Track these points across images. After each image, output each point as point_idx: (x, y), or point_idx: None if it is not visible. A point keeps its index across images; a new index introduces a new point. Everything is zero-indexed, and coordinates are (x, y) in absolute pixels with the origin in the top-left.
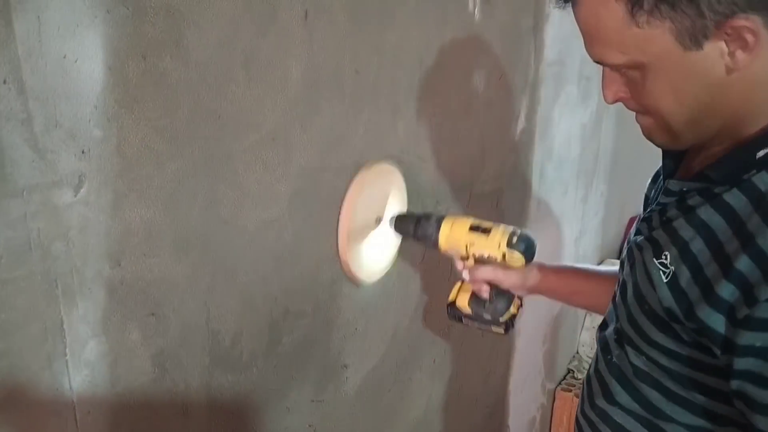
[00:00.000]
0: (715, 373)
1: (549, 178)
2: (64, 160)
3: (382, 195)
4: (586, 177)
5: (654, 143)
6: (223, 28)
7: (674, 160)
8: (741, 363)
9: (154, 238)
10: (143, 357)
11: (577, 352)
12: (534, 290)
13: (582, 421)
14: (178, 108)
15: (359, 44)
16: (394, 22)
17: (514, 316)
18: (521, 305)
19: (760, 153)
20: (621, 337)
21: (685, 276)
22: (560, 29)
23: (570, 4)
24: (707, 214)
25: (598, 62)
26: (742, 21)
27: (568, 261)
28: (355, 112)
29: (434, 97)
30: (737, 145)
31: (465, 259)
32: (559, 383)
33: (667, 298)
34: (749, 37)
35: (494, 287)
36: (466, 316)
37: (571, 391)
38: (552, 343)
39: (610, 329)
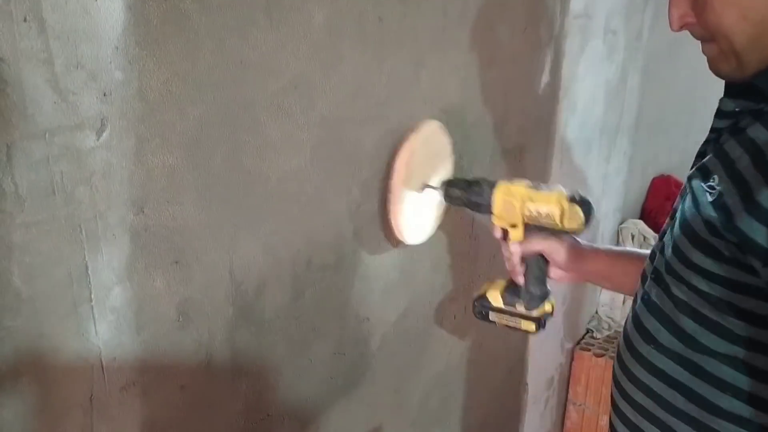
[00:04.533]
0: (753, 293)
1: (572, 136)
2: (86, 102)
3: (431, 160)
4: (610, 135)
5: (720, 75)
6: None
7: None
8: None
9: (176, 185)
10: (168, 305)
11: (597, 312)
12: (584, 272)
13: (619, 372)
14: (200, 52)
15: None
16: None
17: (547, 315)
18: (554, 310)
19: None
20: (660, 273)
21: (729, 192)
22: None
23: None
24: (756, 131)
25: None
26: None
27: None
28: (377, 61)
29: (457, 49)
30: None
31: (514, 227)
32: (578, 343)
33: (710, 213)
34: None
35: (532, 275)
36: (497, 309)
37: (589, 350)
38: (571, 302)
39: (649, 270)
